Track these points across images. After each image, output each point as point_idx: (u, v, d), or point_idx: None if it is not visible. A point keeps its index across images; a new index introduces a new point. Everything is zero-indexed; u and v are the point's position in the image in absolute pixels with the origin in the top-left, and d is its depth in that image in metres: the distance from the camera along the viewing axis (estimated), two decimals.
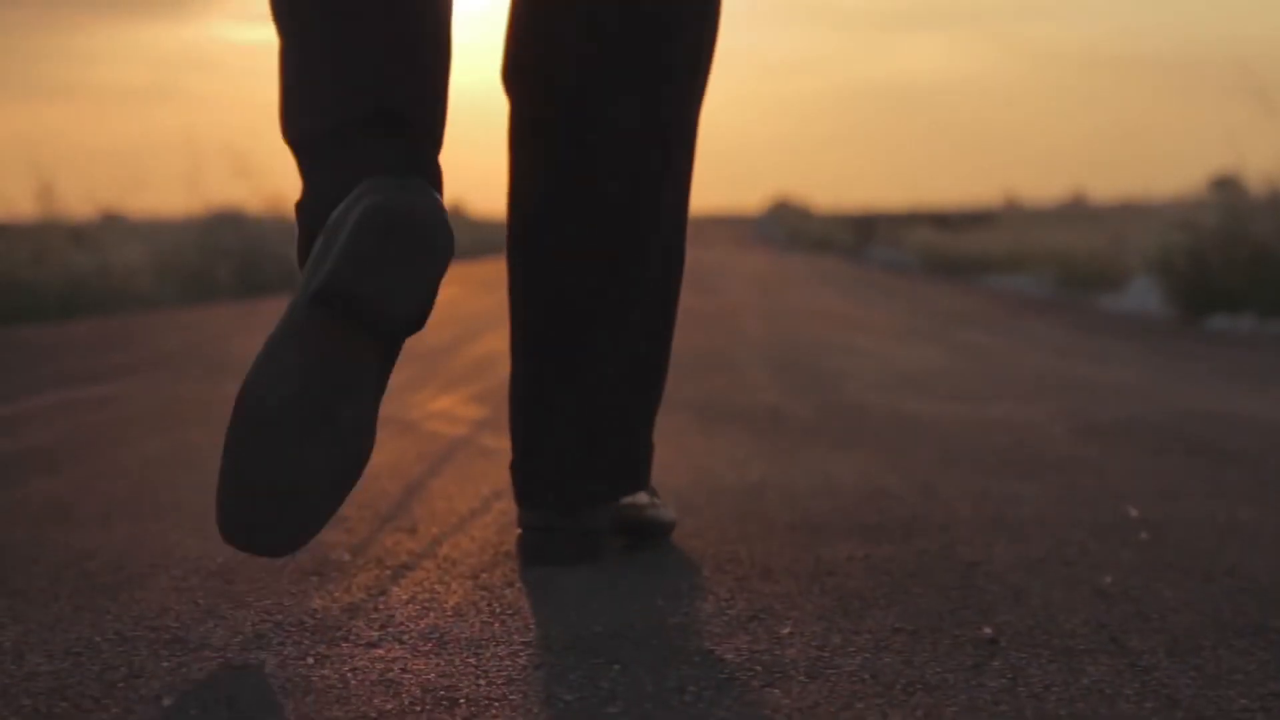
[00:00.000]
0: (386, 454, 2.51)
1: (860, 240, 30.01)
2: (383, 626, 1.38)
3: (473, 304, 7.74)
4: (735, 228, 54.36)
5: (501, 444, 2.63)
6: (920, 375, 4.01)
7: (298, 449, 1.42)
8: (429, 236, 1.46)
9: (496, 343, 5.20)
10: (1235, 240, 7.50)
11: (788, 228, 40.60)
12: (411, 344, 4.49)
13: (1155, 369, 4.17)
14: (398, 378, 3.85)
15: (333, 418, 1.44)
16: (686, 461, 2.40)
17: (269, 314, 7.39)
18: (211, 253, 10.17)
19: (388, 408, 3.17)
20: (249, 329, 5.92)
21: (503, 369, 4.18)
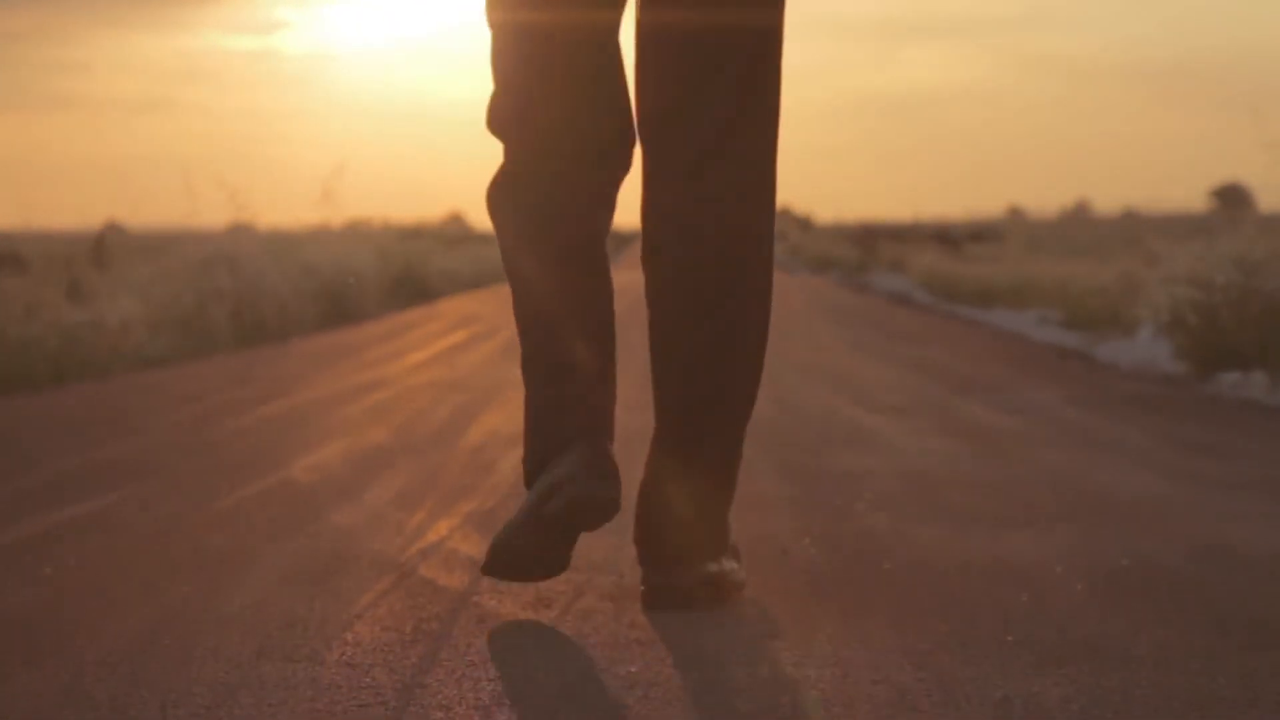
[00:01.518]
0: (376, 624, 2.40)
1: (862, 259, 29.89)
2: None
3: (470, 356, 7.62)
4: None
5: (503, 605, 2.52)
6: (931, 480, 3.90)
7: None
8: (605, 517, 2.39)
9: (495, 420, 5.10)
10: (1247, 296, 7.40)
11: (788, 245, 40.51)
12: (411, 426, 4.25)
13: (1172, 472, 4.06)
14: (392, 484, 3.75)
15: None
16: (685, 649, 2.28)
17: (264, 370, 7.33)
18: (206, 294, 10.08)
19: (379, 540, 3.08)
20: (243, 401, 5.81)
21: (504, 465, 4.10)
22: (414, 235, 44.47)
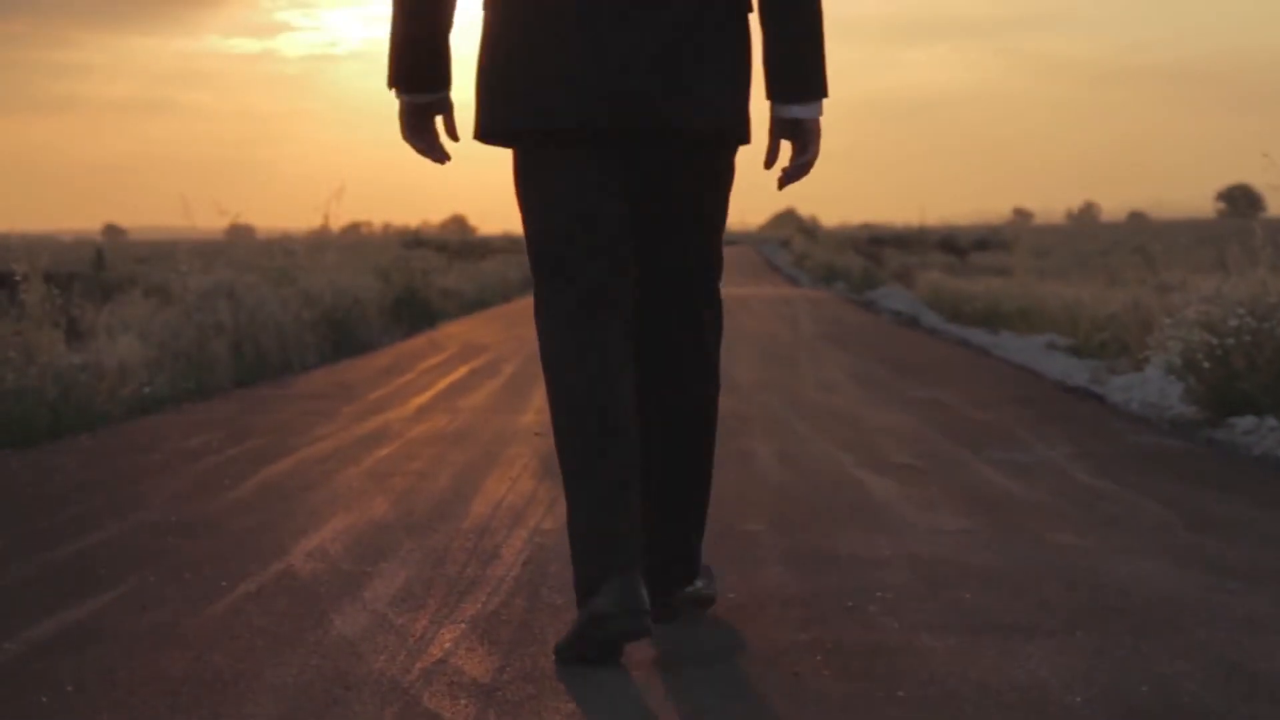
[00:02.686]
0: None
1: (868, 269, 29.78)
2: None
3: (472, 398, 7.53)
4: (739, 250, 54.27)
5: None
6: (943, 571, 3.82)
7: None
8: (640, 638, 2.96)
9: (498, 489, 5.01)
10: (1259, 339, 7.32)
11: (795, 254, 40.39)
12: (413, 495, 4.12)
13: (1188, 559, 3.97)
14: (395, 578, 3.67)
15: None
16: None
17: (264, 418, 7.22)
18: (205, 328, 10.00)
19: (382, 655, 3.00)
20: (243, 462, 5.73)
21: (507, 550, 4.02)
22: (415, 243, 44.38)
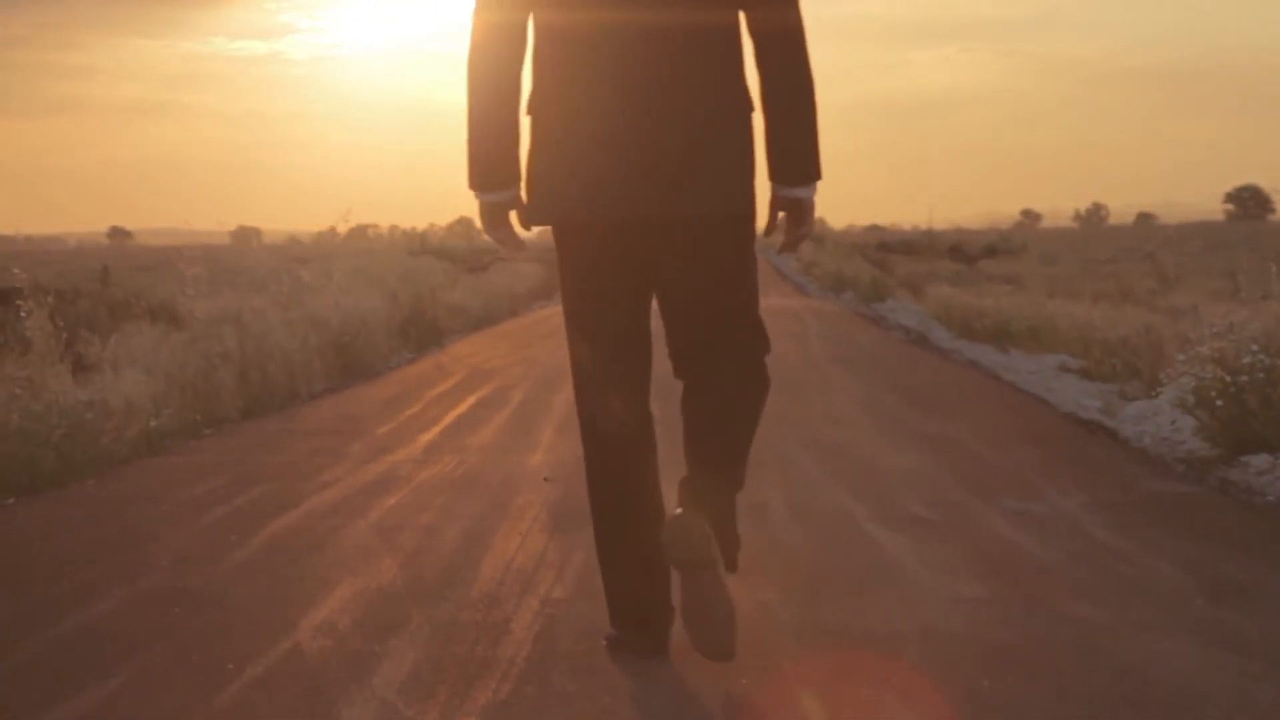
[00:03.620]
0: None
1: (877, 278, 29.72)
2: None
3: (479, 435, 7.46)
4: None
5: None
6: (959, 649, 3.77)
7: None
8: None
9: (507, 547, 4.95)
10: (1273, 377, 7.26)
11: (803, 261, 40.32)
12: (421, 555, 4.12)
13: (1207, 635, 3.91)
14: (403, 660, 3.62)
15: None
16: None
17: (270, 458, 7.17)
18: (212, 358, 9.96)
19: None
20: (250, 512, 5.68)
21: (517, 624, 3.96)
22: (421, 250, 44.35)
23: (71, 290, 16.63)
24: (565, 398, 9.97)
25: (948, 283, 29.29)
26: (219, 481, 6.49)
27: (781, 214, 3.67)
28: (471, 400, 9.83)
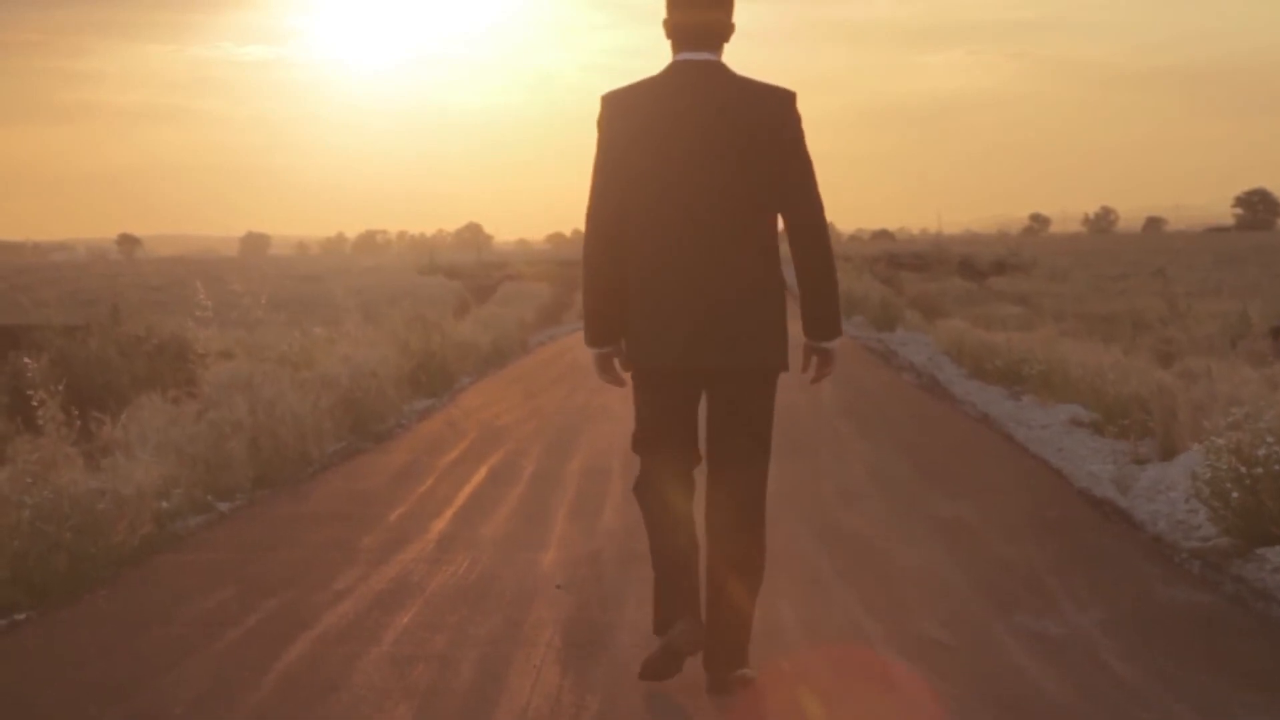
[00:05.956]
0: None
1: (887, 299, 29.71)
2: None
3: (493, 519, 7.42)
4: None
5: None
6: None
7: None
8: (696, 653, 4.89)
9: (522, 687, 4.92)
10: None
11: None
12: (436, 693, 3.90)
13: None
14: None
15: None
16: None
17: (280, 554, 7.14)
18: (223, 427, 9.96)
19: None
20: (263, 634, 5.66)
21: None
22: (430, 268, 44.36)
23: (82, 327, 16.62)
24: (576, 467, 9.96)
25: (958, 303, 29.30)
26: (229, 592, 6.47)
27: (814, 356, 5.01)
28: (483, 472, 9.81)
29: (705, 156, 4.72)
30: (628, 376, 4.95)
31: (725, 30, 4.80)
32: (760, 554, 4.90)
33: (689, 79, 4.76)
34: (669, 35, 4.81)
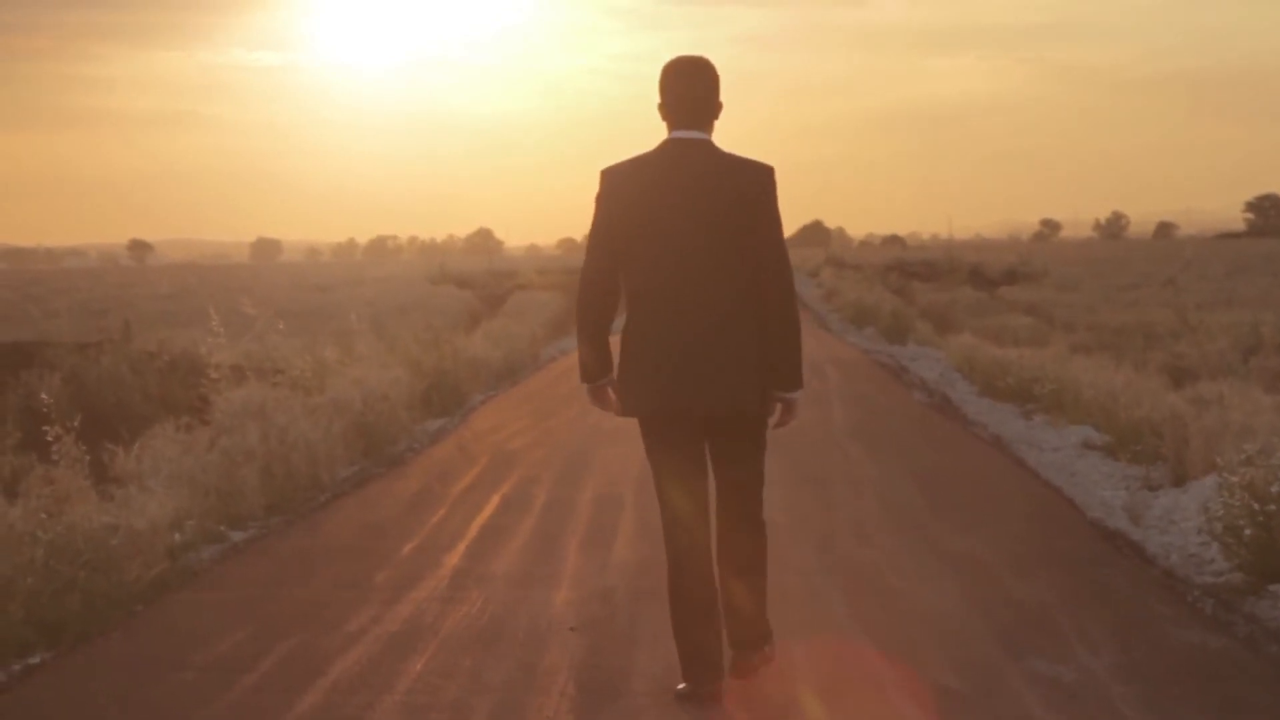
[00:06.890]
0: None
1: (898, 310, 29.69)
2: None
3: (504, 555, 7.42)
4: None
5: None
6: None
7: None
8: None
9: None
10: None
11: (823, 289, 40.25)
12: None
13: None
14: None
15: None
16: None
17: (289, 592, 7.15)
18: (234, 455, 9.97)
19: None
20: (272, 683, 5.66)
21: None
22: (441, 278, 44.39)
23: (94, 344, 16.66)
24: (588, 496, 9.96)
25: (969, 313, 29.24)
26: (243, 634, 6.48)
27: (779, 405, 5.49)
28: (496, 501, 9.81)
29: (694, 220, 5.29)
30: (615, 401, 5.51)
31: (714, 110, 5.40)
32: (760, 541, 5.60)
33: (681, 153, 5.34)
34: (664, 117, 5.38)
